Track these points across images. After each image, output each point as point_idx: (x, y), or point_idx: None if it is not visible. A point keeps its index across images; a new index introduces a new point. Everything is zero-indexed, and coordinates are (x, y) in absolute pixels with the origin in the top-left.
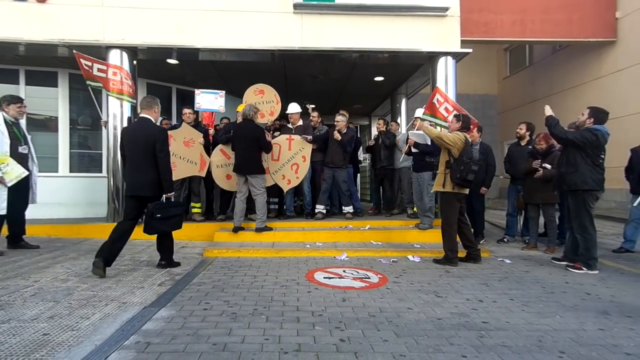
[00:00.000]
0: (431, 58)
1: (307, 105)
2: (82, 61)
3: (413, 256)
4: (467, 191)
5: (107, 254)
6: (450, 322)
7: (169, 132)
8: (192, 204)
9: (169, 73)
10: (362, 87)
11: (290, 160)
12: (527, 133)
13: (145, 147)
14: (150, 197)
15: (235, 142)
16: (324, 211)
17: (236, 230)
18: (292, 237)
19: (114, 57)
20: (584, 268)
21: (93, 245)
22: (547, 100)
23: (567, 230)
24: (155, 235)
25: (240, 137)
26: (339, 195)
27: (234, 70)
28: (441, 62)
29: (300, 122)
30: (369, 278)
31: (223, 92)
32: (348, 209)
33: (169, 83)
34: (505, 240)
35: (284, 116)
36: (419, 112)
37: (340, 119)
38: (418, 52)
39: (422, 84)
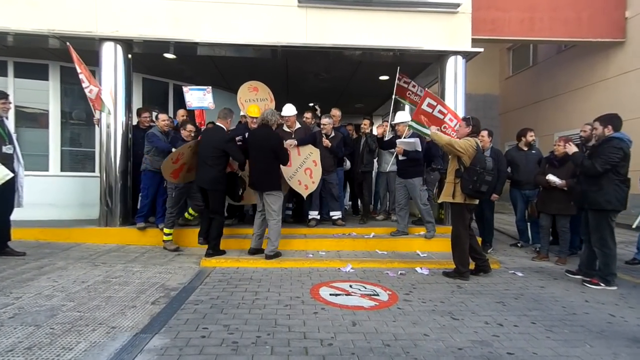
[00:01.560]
0: (440, 57)
1: (316, 107)
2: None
3: (421, 268)
4: (477, 201)
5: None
6: (473, 354)
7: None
8: (190, 211)
9: (165, 68)
10: (366, 86)
11: (303, 165)
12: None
13: (214, 150)
14: (215, 190)
15: (250, 153)
16: (318, 217)
17: (253, 252)
18: (293, 245)
19: (108, 50)
20: (601, 284)
21: (83, 252)
22: (551, 102)
23: (576, 240)
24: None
25: (256, 147)
26: (326, 199)
27: (234, 66)
28: (450, 61)
29: (298, 125)
30: (377, 295)
31: (210, 88)
32: (337, 214)
33: (165, 78)
34: (519, 244)
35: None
36: (401, 117)
37: (327, 122)
38: (426, 51)
39: (429, 83)
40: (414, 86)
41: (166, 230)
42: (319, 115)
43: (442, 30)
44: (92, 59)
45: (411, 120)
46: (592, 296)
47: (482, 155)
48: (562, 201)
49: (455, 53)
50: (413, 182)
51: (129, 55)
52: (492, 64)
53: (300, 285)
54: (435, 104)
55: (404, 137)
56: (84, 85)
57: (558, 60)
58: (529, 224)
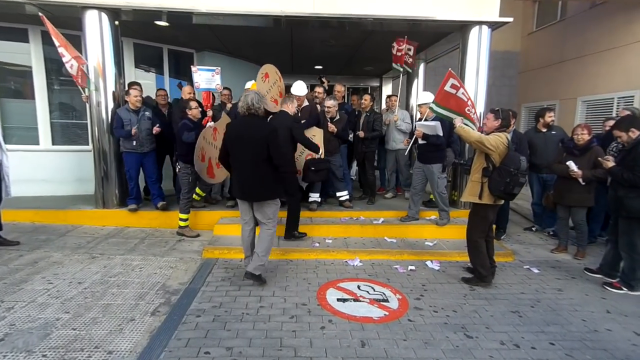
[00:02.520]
0: (462, 27)
1: (324, 79)
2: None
3: (432, 261)
4: (503, 202)
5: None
6: None
7: (216, 126)
8: (197, 190)
9: (158, 34)
10: (377, 51)
11: (305, 151)
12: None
13: (284, 134)
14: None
15: (231, 151)
16: (319, 200)
17: (250, 276)
18: (299, 230)
19: (91, 18)
20: (624, 288)
21: (80, 238)
22: (576, 63)
23: (596, 228)
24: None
25: (238, 142)
26: (330, 180)
27: (234, 34)
28: (474, 32)
29: (306, 103)
30: (387, 301)
31: (219, 69)
32: (343, 194)
33: (159, 43)
34: (533, 229)
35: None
36: (425, 98)
37: (332, 105)
38: (447, 22)
39: (448, 49)
40: (409, 49)
41: (182, 216)
42: (326, 88)
43: None
44: (77, 23)
45: (432, 102)
46: (613, 305)
47: (516, 154)
48: (579, 192)
49: (481, 23)
50: (432, 169)
51: (116, 22)
52: (514, 17)
53: (306, 285)
54: (458, 85)
55: (424, 120)
56: (64, 59)
57: (589, 16)
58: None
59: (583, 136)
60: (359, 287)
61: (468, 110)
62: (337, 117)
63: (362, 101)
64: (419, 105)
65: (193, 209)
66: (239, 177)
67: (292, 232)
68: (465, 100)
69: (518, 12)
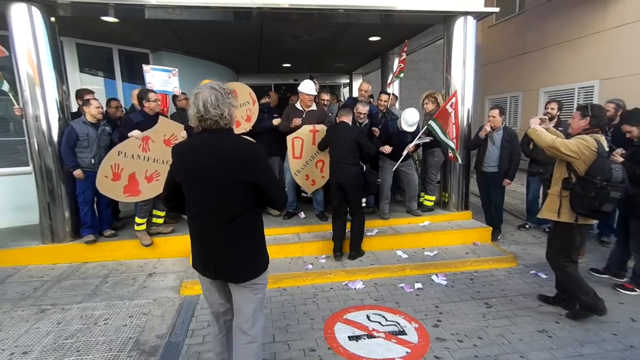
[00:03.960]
0: (446, 18)
1: (315, 81)
2: None
3: (437, 275)
4: (593, 221)
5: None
6: None
7: (147, 134)
8: (155, 212)
9: (106, 31)
10: (352, 46)
11: (315, 157)
12: (559, 113)
13: (352, 144)
14: (358, 185)
15: (187, 194)
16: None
17: None
18: (287, 251)
19: (19, 13)
20: (637, 289)
21: (25, 284)
22: (538, 54)
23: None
24: None
25: (197, 181)
26: None
27: (194, 29)
28: (459, 23)
29: (314, 107)
30: (404, 333)
31: (176, 71)
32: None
33: (108, 43)
34: (527, 226)
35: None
36: (411, 114)
37: (365, 111)
38: (429, 12)
39: (426, 43)
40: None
41: (138, 220)
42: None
43: None
44: (2, 20)
45: (432, 120)
46: (634, 311)
47: (607, 161)
48: None
49: (466, 14)
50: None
51: (52, 19)
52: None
53: (309, 322)
54: (453, 106)
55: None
56: None
57: (547, 8)
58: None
59: (552, 111)
60: (368, 317)
61: (453, 124)
62: (366, 121)
63: (379, 101)
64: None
65: (160, 235)
66: (203, 238)
67: (359, 250)
68: (453, 120)
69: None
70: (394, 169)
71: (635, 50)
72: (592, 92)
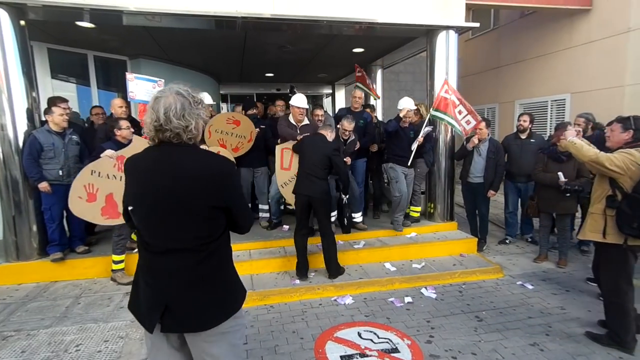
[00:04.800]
0: (429, 32)
1: (295, 91)
2: None
3: (426, 288)
4: None
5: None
6: None
7: (121, 154)
8: None
9: (81, 37)
10: (335, 57)
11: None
12: (530, 126)
13: (323, 159)
14: (325, 201)
15: (139, 223)
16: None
17: None
18: (273, 265)
19: None
20: None
21: None
22: (512, 68)
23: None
24: None
25: (152, 207)
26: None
27: (175, 36)
28: (441, 37)
29: (307, 121)
30: (397, 351)
31: (162, 82)
32: (358, 216)
33: (82, 49)
34: (507, 241)
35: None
36: (405, 103)
37: (350, 128)
38: (412, 26)
39: (409, 55)
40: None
41: (115, 258)
42: (291, 96)
43: (432, 0)
44: None
45: (432, 109)
46: None
47: None
48: (566, 200)
49: (447, 28)
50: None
51: (22, 22)
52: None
53: (299, 341)
54: (451, 92)
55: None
56: None
57: (520, 25)
58: (518, 218)
59: (525, 123)
60: (360, 334)
61: (459, 113)
62: (352, 137)
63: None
64: (403, 110)
65: (131, 251)
66: (155, 276)
67: (338, 270)
68: (458, 103)
69: None
70: (409, 163)
71: (600, 67)
72: (564, 105)
